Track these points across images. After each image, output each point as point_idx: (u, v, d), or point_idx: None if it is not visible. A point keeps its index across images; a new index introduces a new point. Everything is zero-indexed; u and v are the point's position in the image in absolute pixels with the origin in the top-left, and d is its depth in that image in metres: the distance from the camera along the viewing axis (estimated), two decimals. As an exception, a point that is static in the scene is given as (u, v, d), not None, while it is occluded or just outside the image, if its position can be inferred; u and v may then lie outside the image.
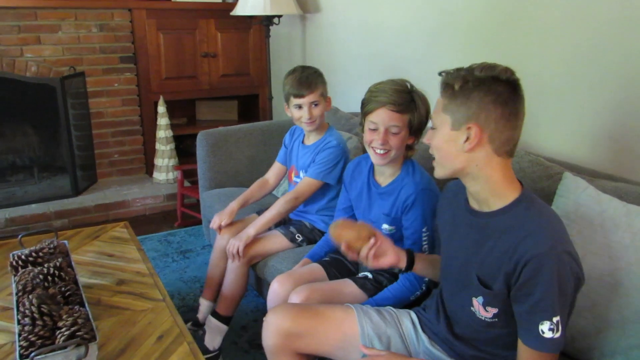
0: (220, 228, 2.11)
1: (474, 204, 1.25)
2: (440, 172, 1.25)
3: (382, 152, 1.56)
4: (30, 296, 1.22)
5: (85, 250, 1.98)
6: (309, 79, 1.99)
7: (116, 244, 2.05)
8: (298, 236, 2.08)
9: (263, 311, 2.38)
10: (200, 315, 2.15)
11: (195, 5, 3.66)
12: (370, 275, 1.72)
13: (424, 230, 1.60)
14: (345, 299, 1.62)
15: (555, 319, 1.08)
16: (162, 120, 3.64)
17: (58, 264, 1.41)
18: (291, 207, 2.04)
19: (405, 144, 1.60)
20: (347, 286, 1.67)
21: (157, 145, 3.69)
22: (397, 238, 1.66)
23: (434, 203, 1.58)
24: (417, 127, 1.57)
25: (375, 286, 1.68)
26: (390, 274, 1.71)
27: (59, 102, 3.29)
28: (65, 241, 1.72)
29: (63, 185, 3.50)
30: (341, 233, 1.39)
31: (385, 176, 1.68)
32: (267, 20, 3.38)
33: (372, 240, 1.35)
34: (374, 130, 1.56)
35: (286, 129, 2.78)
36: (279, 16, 3.37)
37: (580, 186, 1.55)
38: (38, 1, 3.24)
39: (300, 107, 2.00)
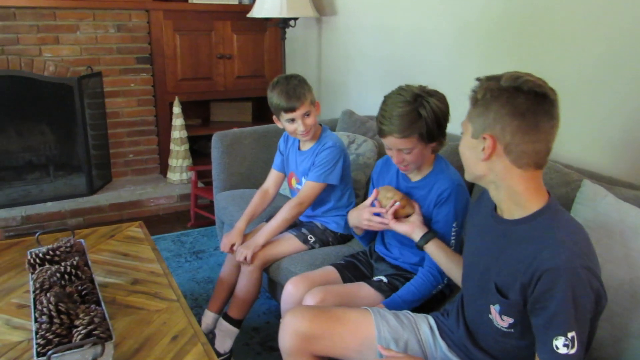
0: (232, 250, 2.07)
1: (498, 211, 1.25)
2: (466, 176, 1.26)
3: (402, 167, 1.61)
4: (47, 294, 1.23)
5: (100, 249, 1.99)
6: (297, 91, 1.93)
7: (131, 243, 2.06)
8: (310, 237, 2.08)
9: (275, 313, 2.39)
10: (204, 327, 2.10)
11: (211, 7, 3.68)
12: (385, 279, 1.72)
13: (454, 225, 1.60)
14: (361, 301, 1.62)
15: (570, 335, 1.05)
16: (177, 121, 3.66)
17: (75, 262, 1.42)
18: (297, 212, 2.03)
19: (429, 150, 1.60)
20: (362, 289, 1.66)
21: (172, 146, 3.71)
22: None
23: (466, 200, 1.62)
24: (431, 135, 1.55)
25: (391, 289, 1.67)
26: (405, 279, 1.70)
27: (75, 102, 3.32)
28: (82, 240, 1.73)
29: (78, 184, 3.53)
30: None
31: (415, 172, 1.68)
32: (284, 23, 3.39)
33: (398, 204, 1.53)
34: (390, 149, 1.60)
35: (301, 130, 2.79)
36: (295, 19, 3.37)
37: (599, 194, 1.53)
38: (57, 1, 3.27)
39: (293, 120, 1.97)
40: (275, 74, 3.98)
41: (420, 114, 1.52)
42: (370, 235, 1.83)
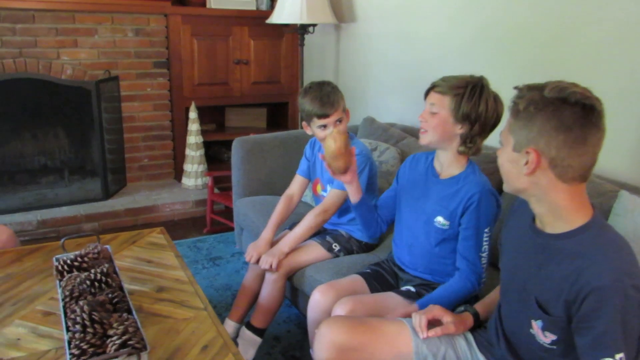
0: (257, 261, 2.04)
1: (538, 223, 1.21)
2: (506, 189, 1.23)
3: (422, 130, 1.60)
4: (80, 302, 1.20)
5: (123, 255, 1.96)
6: (330, 97, 1.92)
7: (154, 249, 2.03)
8: (335, 245, 2.04)
9: (296, 321, 2.35)
10: None
11: (230, 12, 3.66)
12: (413, 289, 1.68)
13: (486, 231, 1.57)
14: (391, 311, 1.59)
15: (618, 356, 1.02)
16: (193, 126, 3.64)
17: (105, 269, 1.39)
18: (321, 220, 2.01)
19: (454, 133, 1.57)
20: (392, 299, 1.63)
21: (187, 151, 3.69)
22: (448, 236, 1.63)
23: (497, 205, 1.59)
24: (462, 115, 1.53)
25: (420, 298, 1.64)
26: (433, 288, 1.66)
27: (93, 106, 3.31)
28: (108, 246, 1.70)
29: (93, 189, 3.51)
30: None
31: (444, 167, 1.66)
32: (302, 29, 3.37)
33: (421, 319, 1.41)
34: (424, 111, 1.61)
35: (320, 138, 2.77)
36: (314, 25, 3.36)
37: (638, 205, 1.50)
38: (76, 4, 3.27)
39: (324, 126, 1.95)
40: (291, 80, 3.98)
41: (467, 87, 1.52)
42: (366, 212, 1.80)
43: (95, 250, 1.55)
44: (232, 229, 3.31)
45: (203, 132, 3.73)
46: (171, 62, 3.61)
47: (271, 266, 1.93)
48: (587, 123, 1.07)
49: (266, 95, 3.99)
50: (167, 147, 3.82)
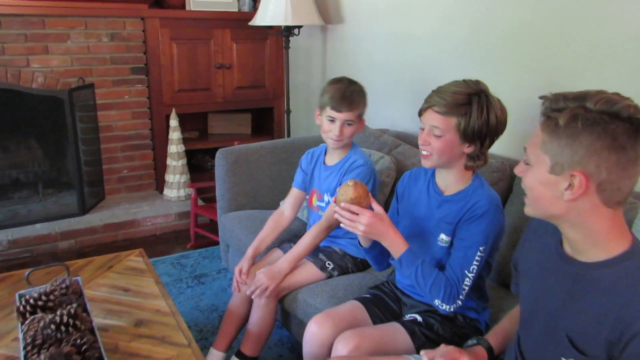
0: (239, 285, 1.91)
1: (568, 249, 1.07)
2: (531, 212, 1.08)
3: (424, 153, 1.46)
4: (42, 356, 1.03)
5: (98, 283, 1.79)
6: (352, 96, 1.83)
7: (131, 275, 1.86)
8: (328, 264, 1.90)
9: (288, 344, 2.19)
10: None
11: (210, 15, 3.49)
12: (419, 318, 1.53)
13: (481, 248, 1.42)
14: (397, 347, 1.44)
15: None
16: (174, 135, 3.46)
17: (72, 310, 1.22)
18: (325, 236, 1.87)
19: (460, 152, 1.44)
20: (398, 332, 1.48)
21: (169, 161, 3.50)
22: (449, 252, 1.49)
23: (501, 225, 1.45)
24: (472, 133, 1.39)
25: (425, 334, 1.49)
26: (443, 317, 1.52)
27: (66, 115, 3.11)
28: (78, 278, 1.53)
29: (69, 203, 3.31)
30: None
31: (448, 185, 1.52)
32: (287, 31, 3.21)
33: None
34: (422, 130, 1.46)
35: (309, 145, 2.59)
36: (299, 27, 3.20)
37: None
38: (46, 9, 3.06)
39: (333, 120, 1.84)
40: (276, 84, 3.82)
41: (471, 102, 1.38)
42: (381, 254, 1.60)
43: (64, 285, 1.38)
44: (217, 243, 3.13)
45: (185, 141, 3.55)
46: (149, 67, 3.43)
47: (265, 290, 1.77)
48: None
49: (250, 101, 3.82)
50: (147, 157, 3.63)
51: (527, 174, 1.05)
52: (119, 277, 1.85)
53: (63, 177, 3.51)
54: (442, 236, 1.50)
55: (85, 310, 1.35)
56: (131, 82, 3.44)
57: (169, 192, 3.55)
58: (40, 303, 1.29)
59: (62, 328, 1.19)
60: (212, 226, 3.20)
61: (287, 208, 2.06)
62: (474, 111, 1.38)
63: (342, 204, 1.39)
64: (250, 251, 1.96)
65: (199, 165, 3.96)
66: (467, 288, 1.42)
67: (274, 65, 3.79)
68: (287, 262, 1.82)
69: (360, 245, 1.59)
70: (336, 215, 1.41)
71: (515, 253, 1.30)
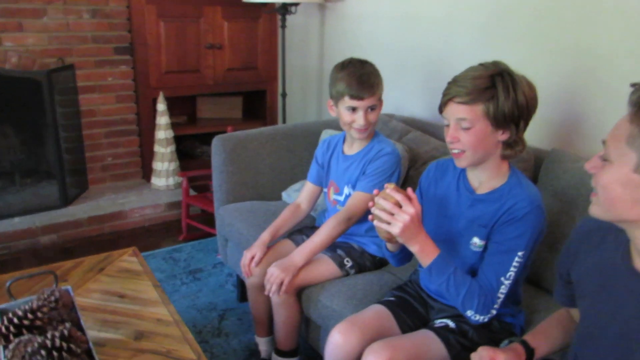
0: (250, 270, 1.79)
1: (639, 264, 0.93)
2: (599, 214, 0.94)
3: (456, 151, 1.30)
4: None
5: (89, 289, 1.60)
6: (370, 79, 1.66)
7: (126, 278, 1.68)
8: (347, 261, 1.74)
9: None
10: (264, 355, 1.92)
11: (200, -9, 3.25)
12: (452, 324, 1.39)
13: (520, 254, 1.28)
14: (432, 358, 1.30)
15: None
16: (162, 120, 3.24)
17: (66, 332, 1.03)
18: (344, 228, 1.70)
19: (495, 141, 1.29)
20: (431, 341, 1.33)
21: (156, 148, 3.29)
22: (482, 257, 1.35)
23: (542, 227, 1.31)
24: (503, 117, 1.25)
25: (461, 342, 1.35)
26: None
27: (45, 99, 2.87)
28: (69, 288, 1.34)
29: (50, 194, 3.07)
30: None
31: (482, 182, 1.37)
32: (283, 9, 3.00)
33: None
34: (448, 126, 1.31)
35: (312, 132, 2.43)
36: (296, 4, 2.99)
37: None
38: (20, -18, 2.81)
39: (354, 109, 1.67)
40: (269, 65, 3.61)
41: (495, 84, 1.23)
42: (405, 255, 1.48)
43: (52, 298, 1.19)
44: (211, 235, 2.96)
45: (172, 126, 3.33)
46: (135, 47, 3.19)
47: (280, 285, 1.61)
48: None
49: (242, 83, 3.61)
50: (133, 143, 3.41)
51: (604, 172, 0.90)
52: (112, 280, 1.66)
53: (42, 166, 3.27)
54: (475, 240, 1.35)
55: (79, 327, 1.16)
56: (115, 63, 3.20)
57: (157, 181, 3.34)
58: (26, 322, 1.10)
59: (55, 353, 1.00)
60: (205, 217, 3.02)
61: (303, 201, 1.91)
62: (500, 93, 1.23)
63: (388, 190, 1.23)
64: (266, 236, 1.80)
65: (187, 151, 3.75)
66: (502, 296, 1.28)
67: (267, 46, 3.58)
68: (301, 255, 1.66)
69: (387, 249, 1.45)
70: (377, 205, 1.24)
71: (563, 262, 1.15)
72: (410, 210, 1.22)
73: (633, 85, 0.87)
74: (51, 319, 1.14)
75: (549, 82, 1.88)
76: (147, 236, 3.04)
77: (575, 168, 1.63)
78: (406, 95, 2.62)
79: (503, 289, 1.28)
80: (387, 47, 2.69)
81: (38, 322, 1.11)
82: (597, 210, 0.94)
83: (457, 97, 1.25)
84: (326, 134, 2.32)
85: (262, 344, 1.91)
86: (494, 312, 1.28)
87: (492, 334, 1.39)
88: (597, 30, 1.75)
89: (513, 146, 1.32)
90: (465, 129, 1.26)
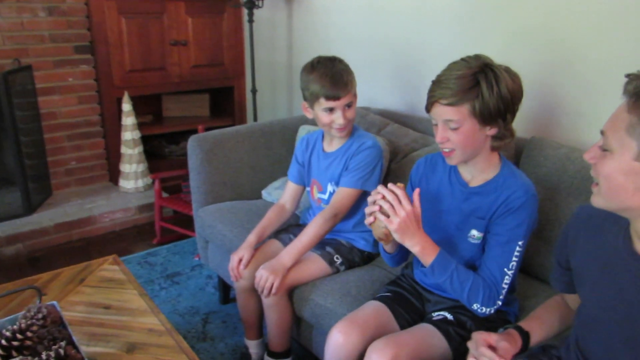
0: (238, 273, 1.74)
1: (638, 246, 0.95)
2: (601, 204, 0.95)
3: (446, 150, 1.31)
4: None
5: (71, 302, 1.53)
6: (343, 77, 1.64)
7: (110, 288, 1.61)
8: (337, 258, 1.73)
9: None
10: (255, 358, 1.88)
11: (162, -14, 3.15)
12: (450, 316, 1.40)
13: (520, 243, 1.30)
14: (435, 352, 1.31)
15: None
16: (128, 120, 3.13)
17: (62, 351, 0.98)
18: (331, 226, 1.68)
19: (484, 136, 1.30)
20: (432, 335, 1.33)
21: (123, 149, 3.18)
22: (481, 249, 1.37)
23: (536, 215, 1.33)
24: (489, 114, 1.25)
25: (460, 333, 1.35)
26: (473, 312, 1.38)
27: (1, 102, 2.72)
28: (55, 303, 1.27)
29: (11, 202, 2.92)
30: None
31: (474, 175, 1.38)
32: (250, 3, 2.94)
33: None
34: (436, 125, 1.31)
35: (289, 128, 2.40)
36: (263, -2, 2.94)
37: None
38: (-31, -21, 2.65)
39: (331, 110, 1.65)
40: (236, 62, 3.55)
41: (479, 82, 1.23)
42: (402, 255, 1.49)
43: (40, 315, 1.12)
44: (186, 237, 2.89)
45: (138, 126, 3.23)
46: (96, 46, 3.06)
47: (271, 288, 1.58)
48: None
49: (208, 80, 3.53)
50: (98, 145, 3.28)
51: (605, 162, 0.91)
52: (95, 291, 1.59)
53: (2, 173, 3.11)
54: (474, 232, 1.36)
55: (71, 343, 1.10)
56: (75, 63, 3.06)
57: (126, 184, 3.23)
58: (15, 343, 1.03)
59: (52, 375, 0.95)
60: (179, 218, 2.95)
61: (287, 201, 1.87)
62: (484, 90, 1.23)
63: (390, 184, 1.23)
64: (252, 238, 1.77)
65: (154, 152, 3.65)
66: (506, 287, 1.30)
67: (232, 41, 3.51)
68: (290, 255, 1.63)
69: (384, 251, 1.45)
70: (378, 195, 1.24)
71: (561, 248, 1.17)
72: (407, 207, 1.22)
73: (627, 75, 0.89)
74: (41, 338, 1.08)
75: (525, 72, 1.87)
76: (119, 241, 2.94)
77: (556, 155, 1.66)
78: (379, 88, 2.61)
79: (507, 280, 1.29)
80: (358, 40, 2.68)
81: (28, 342, 1.05)
82: (599, 200, 0.95)
83: (443, 98, 1.25)
84: (304, 130, 2.29)
85: (253, 347, 1.87)
86: (500, 303, 1.29)
87: (489, 323, 1.40)
88: (570, 22, 1.78)
89: (502, 138, 1.33)
90: (454, 129, 1.27)
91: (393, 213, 1.21)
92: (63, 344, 1.00)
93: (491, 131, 1.30)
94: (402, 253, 1.46)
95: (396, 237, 1.26)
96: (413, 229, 1.24)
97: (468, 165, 1.37)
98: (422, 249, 1.27)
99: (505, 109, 1.27)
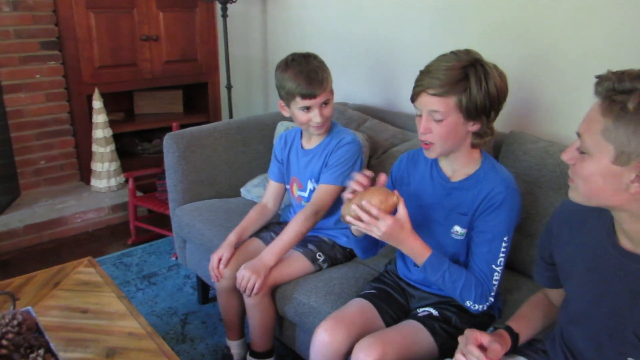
0: (219, 272, 1.71)
1: (625, 242, 0.96)
2: (579, 200, 0.96)
3: (426, 142, 1.30)
4: None
5: (46, 306, 1.48)
6: (318, 74, 1.61)
7: (86, 291, 1.57)
8: (319, 255, 1.71)
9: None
10: (237, 358, 1.86)
11: (132, -21, 3.07)
12: (435, 312, 1.40)
13: (505, 239, 1.30)
14: (421, 349, 1.31)
15: None
16: (99, 118, 3.05)
17: (40, 359, 0.94)
18: (313, 223, 1.67)
19: (465, 132, 1.29)
20: (418, 331, 1.33)
21: (95, 147, 3.10)
22: (466, 245, 1.37)
23: (519, 207, 1.33)
24: (475, 109, 1.25)
25: (445, 329, 1.36)
26: (458, 308, 1.39)
27: (-35, 101, 2.62)
28: (29, 308, 1.22)
29: (-22, 203, 2.83)
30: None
31: (455, 169, 1.38)
32: (224, -3, 2.89)
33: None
34: (420, 116, 1.30)
35: (267, 124, 2.37)
36: (237, -8, 2.90)
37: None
38: None
39: (308, 108, 1.63)
40: (210, 57, 3.49)
41: (468, 75, 1.23)
42: (370, 243, 1.46)
43: (15, 322, 1.08)
44: (162, 236, 2.83)
45: (110, 123, 3.14)
46: (63, 41, 2.97)
47: (253, 288, 1.56)
48: None
49: (181, 76, 3.46)
50: (67, 144, 3.19)
51: (584, 164, 0.91)
52: (71, 295, 1.54)
53: (-34, 174, 3.00)
54: (457, 228, 1.36)
55: (49, 351, 1.06)
56: (42, 59, 2.97)
57: (98, 183, 3.15)
58: (-9, 352, 0.99)
59: (31, 384, 0.91)
60: (154, 217, 2.89)
61: (269, 201, 1.85)
62: (472, 85, 1.23)
63: (364, 202, 1.21)
64: (232, 237, 1.74)
65: (127, 150, 3.56)
66: (497, 283, 1.31)
67: (205, 36, 3.45)
68: (272, 254, 1.61)
69: (352, 234, 1.43)
70: (353, 214, 1.22)
71: (544, 244, 1.18)
72: (383, 227, 1.21)
73: (597, 77, 0.88)
74: (17, 346, 1.04)
75: (502, 67, 1.88)
76: (92, 242, 2.87)
77: (535, 149, 1.68)
78: (357, 83, 2.60)
79: (496, 276, 1.30)
80: (334, 35, 2.66)
81: (3, 351, 1.00)
82: (577, 196, 0.96)
83: (430, 88, 1.24)
84: (282, 127, 2.27)
85: (235, 347, 1.84)
86: (492, 299, 1.30)
87: (474, 319, 1.41)
88: (545, 16, 1.80)
89: (483, 136, 1.33)
90: (438, 121, 1.26)
91: (370, 231, 1.22)
92: (41, 352, 0.96)
93: (473, 127, 1.29)
94: (370, 243, 1.43)
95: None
96: (401, 237, 1.25)
97: (449, 160, 1.37)
98: (412, 252, 1.28)
99: (491, 106, 1.27)
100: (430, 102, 1.25)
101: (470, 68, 1.24)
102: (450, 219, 1.37)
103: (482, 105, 1.25)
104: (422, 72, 1.29)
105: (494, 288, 1.30)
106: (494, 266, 1.29)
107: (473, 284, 1.28)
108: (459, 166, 1.37)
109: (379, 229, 1.21)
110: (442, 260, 1.28)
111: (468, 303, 1.29)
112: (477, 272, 1.30)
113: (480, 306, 1.29)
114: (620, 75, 0.86)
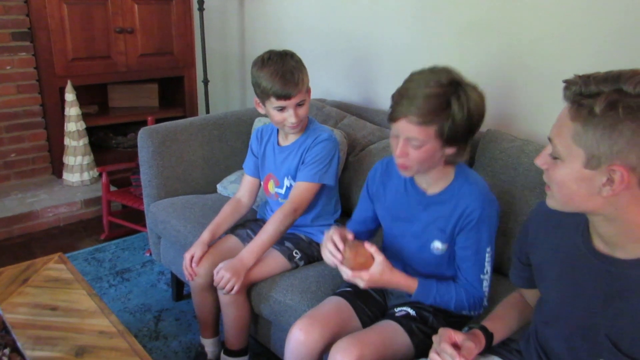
0: (193, 271, 1.69)
1: (599, 245, 0.97)
2: (557, 206, 0.96)
3: (401, 161, 1.28)
4: None
5: (14, 304, 1.44)
6: (294, 75, 1.58)
7: (56, 288, 1.53)
8: (296, 253, 1.70)
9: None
10: (210, 356, 1.83)
11: (106, -31, 3.01)
12: (412, 312, 1.39)
13: (488, 250, 1.32)
14: (398, 349, 1.31)
15: None
16: (72, 111, 2.99)
17: (6, 359, 0.91)
18: (291, 221, 1.66)
19: (441, 155, 1.28)
20: (396, 332, 1.33)
21: (67, 141, 3.03)
22: (447, 258, 1.38)
23: (497, 213, 1.34)
24: (454, 136, 1.23)
25: (422, 329, 1.36)
26: (435, 307, 1.39)
27: None
28: (-3, 306, 1.19)
29: (-56, 197, 2.74)
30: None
31: (430, 183, 1.36)
32: (201, -10, 2.86)
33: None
34: (396, 137, 1.27)
35: (244, 120, 2.35)
36: (215, -15, 2.86)
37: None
38: None
39: (283, 108, 1.61)
40: (186, 50, 3.45)
41: (450, 103, 1.20)
42: None
43: (-20, 320, 1.04)
44: (135, 232, 2.79)
45: (83, 117, 3.08)
46: (35, 32, 2.89)
47: (231, 288, 1.55)
48: None
49: (157, 69, 3.41)
50: (39, 137, 3.12)
51: (557, 170, 0.91)
52: (39, 292, 1.50)
53: None
54: (437, 244, 1.36)
55: (15, 349, 1.03)
56: (13, 50, 2.89)
57: (70, 177, 3.08)
58: (-47, 351, 0.96)
59: (-5, 385, 0.88)
60: (127, 213, 2.84)
61: (244, 195, 1.82)
62: (455, 113, 1.20)
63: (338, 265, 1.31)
64: (206, 235, 1.71)
65: (100, 144, 3.50)
66: (487, 289, 1.34)
67: (182, 29, 3.40)
68: (251, 253, 1.60)
69: None
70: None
71: (520, 245, 1.18)
72: (361, 282, 1.28)
73: (565, 81, 0.88)
74: (-18, 345, 1.00)
75: (479, 66, 1.93)
76: (64, 237, 2.80)
77: (511, 147, 1.69)
78: (335, 80, 2.59)
79: (485, 284, 1.32)
80: (313, 31, 2.65)
81: (-32, 351, 0.97)
82: (554, 203, 0.96)
83: (411, 116, 1.20)
84: (260, 123, 2.25)
85: (209, 345, 1.82)
86: (487, 304, 1.33)
87: (450, 318, 1.41)
88: (522, 16, 1.81)
89: (458, 156, 1.31)
90: (415, 147, 1.23)
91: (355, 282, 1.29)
92: (7, 351, 0.93)
93: (450, 150, 1.27)
94: None
95: None
96: (383, 281, 1.29)
97: (423, 174, 1.35)
98: (399, 288, 1.33)
99: (470, 130, 1.26)
100: (409, 130, 1.22)
101: (453, 95, 1.20)
102: (428, 232, 1.36)
103: (463, 132, 1.23)
104: (400, 95, 1.24)
105: (486, 294, 1.33)
106: (481, 275, 1.31)
107: (464, 297, 1.31)
108: (434, 180, 1.36)
109: (359, 284, 1.29)
110: (430, 286, 1.31)
111: (463, 312, 1.33)
112: (465, 284, 1.32)
113: (476, 312, 1.33)
114: (587, 79, 0.85)
